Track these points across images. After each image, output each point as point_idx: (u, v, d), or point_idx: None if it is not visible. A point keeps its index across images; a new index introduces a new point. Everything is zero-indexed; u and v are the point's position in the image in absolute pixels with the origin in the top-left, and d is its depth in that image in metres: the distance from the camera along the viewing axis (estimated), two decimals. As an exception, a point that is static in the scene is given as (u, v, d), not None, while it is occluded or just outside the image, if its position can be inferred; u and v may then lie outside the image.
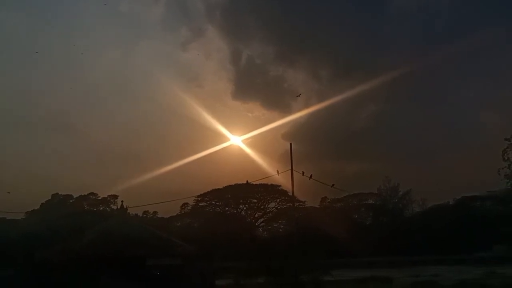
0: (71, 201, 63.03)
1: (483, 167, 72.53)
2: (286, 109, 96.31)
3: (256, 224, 64.29)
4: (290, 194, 45.17)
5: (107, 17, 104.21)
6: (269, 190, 62.58)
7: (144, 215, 63.14)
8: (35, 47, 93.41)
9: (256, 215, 64.57)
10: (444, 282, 28.27)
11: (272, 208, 64.15)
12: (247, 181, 50.43)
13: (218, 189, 63.06)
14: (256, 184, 58.28)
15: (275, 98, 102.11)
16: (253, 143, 73.03)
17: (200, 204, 63.92)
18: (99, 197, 64.41)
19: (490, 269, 32.47)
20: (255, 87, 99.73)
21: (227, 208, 63.89)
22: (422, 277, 31.06)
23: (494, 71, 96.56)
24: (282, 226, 63.02)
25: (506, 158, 29.22)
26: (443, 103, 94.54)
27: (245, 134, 80.00)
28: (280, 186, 60.14)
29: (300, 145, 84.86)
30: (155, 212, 64.61)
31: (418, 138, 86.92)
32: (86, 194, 63.97)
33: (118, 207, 31.55)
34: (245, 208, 64.28)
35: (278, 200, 63.59)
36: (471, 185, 64.75)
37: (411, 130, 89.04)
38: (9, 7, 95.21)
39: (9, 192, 49.85)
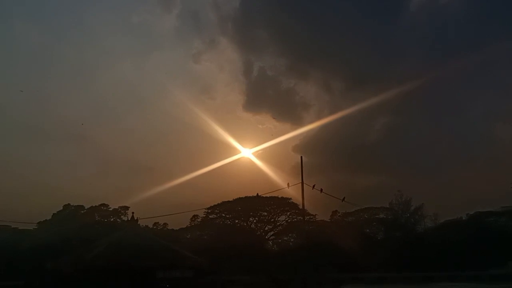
0: (82, 212, 63.23)
1: (497, 181, 71.80)
2: (297, 121, 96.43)
3: (266, 237, 63.90)
4: (301, 207, 45.07)
5: (119, 28, 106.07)
6: (279, 203, 62.28)
7: (155, 227, 63.20)
8: (46, 56, 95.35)
9: (266, 228, 64.20)
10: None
11: (283, 221, 63.76)
12: (257, 194, 50.42)
13: (228, 201, 62.96)
14: (266, 197, 58.07)
15: (287, 110, 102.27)
16: (263, 155, 73.13)
17: (210, 217, 63.80)
18: (110, 208, 64.59)
19: (504, 286, 31.80)
20: (267, 99, 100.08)
21: (237, 221, 63.64)
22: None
23: (508, 83, 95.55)
24: (292, 240, 62.50)
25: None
26: (456, 116, 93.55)
27: (255, 146, 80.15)
28: (290, 199, 59.94)
29: (311, 158, 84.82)
30: (165, 224, 64.65)
31: (431, 151, 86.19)
32: (97, 205, 64.22)
33: (129, 219, 31.85)
34: (255, 221, 63.97)
35: (288, 213, 63.20)
36: (485, 200, 63.75)
37: (423, 143, 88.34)
38: (23, 18, 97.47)
39: None
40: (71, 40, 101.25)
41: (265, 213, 63.63)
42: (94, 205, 63.92)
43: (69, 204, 62.24)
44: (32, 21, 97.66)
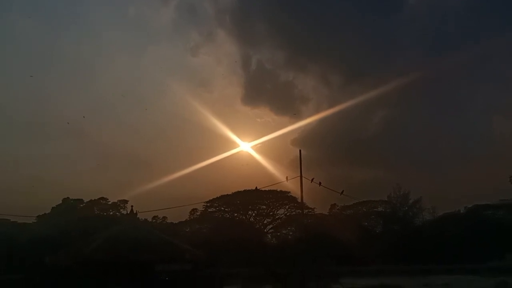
0: (81, 205, 63.36)
1: (495, 175, 71.95)
2: (295, 115, 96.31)
3: (265, 230, 64.12)
4: (300, 200, 45.15)
5: (116, 21, 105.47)
6: (278, 196, 62.44)
7: (154, 220, 63.33)
8: (44, 51, 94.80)
9: (265, 222, 64.43)
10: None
11: (281, 214, 64.05)
12: (256, 187, 50.40)
13: (227, 195, 63.13)
14: (265, 191, 58.25)
15: (285, 104, 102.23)
16: (262, 148, 73.14)
17: (209, 210, 63.98)
18: (109, 201, 64.73)
19: (502, 279, 31.96)
20: (265, 92, 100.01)
21: (236, 214, 63.84)
22: (432, 286, 30.73)
23: (507, 77, 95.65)
24: (291, 233, 62.75)
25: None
26: (454, 109, 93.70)
27: (254, 139, 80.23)
28: (289, 192, 60.07)
29: (310, 151, 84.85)
30: (164, 218, 64.81)
31: (429, 145, 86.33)
32: (96, 198, 64.34)
33: (128, 212, 31.85)
34: (254, 214, 64.19)
35: (287, 206, 63.42)
36: (484, 194, 63.95)
37: (422, 137, 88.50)
38: (18, 12, 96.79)
39: None
40: (67, 34, 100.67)
41: (264, 207, 63.82)
42: (93, 199, 64.07)
43: (68, 197, 62.33)
44: (27, 14, 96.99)
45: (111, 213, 63.60)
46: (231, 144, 72.38)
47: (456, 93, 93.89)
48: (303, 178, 34.69)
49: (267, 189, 56.59)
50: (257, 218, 64.24)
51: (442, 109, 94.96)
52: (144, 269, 22.55)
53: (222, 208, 63.99)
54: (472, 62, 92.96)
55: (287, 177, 38.43)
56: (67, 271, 22.07)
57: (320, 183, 36.70)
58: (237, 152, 64.17)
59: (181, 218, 64.01)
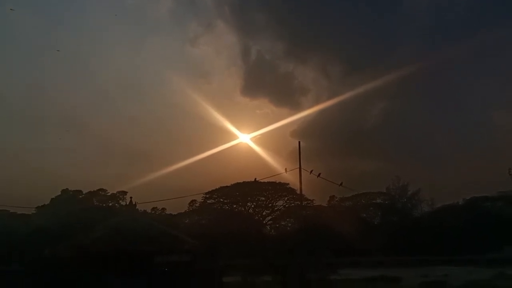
0: (80, 196, 63.49)
1: (493, 167, 72.11)
2: (295, 106, 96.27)
3: (264, 222, 64.24)
4: (298, 192, 45.21)
5: (114, 11, 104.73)
6: (277, 188, 62.45)
7: (153, 212, 63.49)
8: (42, 44, 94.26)
9: (264, 213, 64.54)
10: (453, 282, 28.06)
11: (280, 206, 64.11)
12: (255, 179, 50.55)
13: (226, 186, 63.14)
14: (264, 182, 58.23)
15: (284, 95, 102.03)
16: (261, 140, 73.03)
17: (208, 201, 64.03)
18: (109, 193, 64.90)
19: (500, 270, 32.11)
20: (264, 84, 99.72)
21: (235, 206, 63.91)
22: (431, 277, 30.82)
23: (506, 70, 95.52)
24: (290, 224, 62.91)
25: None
26: (453, 102, 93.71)
27: (253, 131, 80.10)
28: (288, 184, 60.08)
29: (309, 143, 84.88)
30: (163, 209, 65.01)
31: (428, 137, 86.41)
32: (95, 190, 64.46)
33: (127, 203, 31.83)
34: (253, 206, 64.27)
35: (286, 198, 63.46)
36: (482, 186, 64.10)
37: (421, 129, 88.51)
38: (17, 4, 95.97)
39: None
40: (65, 25, 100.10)
41: (263, 198, 63.87)
42: (92, 190, 64.21)
43: (67, 189, 62.48)
44: (25, 6, 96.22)
45: (110, 204, 63.75)
46: (230, 136, 72.28)
47: (455, 86, 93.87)
48: (302, 169, 34.79)
49: (266, 181, 56.69)
50: (256, 210, 64.34)
51: (441, 102, 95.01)
52: (143, 261, 22.54)
53: (221, 200, 64.04)
54: (471, 55, 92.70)
55: (286, 169, 38.63)
56: (66, 262, 22.05)
57: (319, 175, 36.84)
58: (236, 144, 64.16)
59: (180, 209, 64.21)
